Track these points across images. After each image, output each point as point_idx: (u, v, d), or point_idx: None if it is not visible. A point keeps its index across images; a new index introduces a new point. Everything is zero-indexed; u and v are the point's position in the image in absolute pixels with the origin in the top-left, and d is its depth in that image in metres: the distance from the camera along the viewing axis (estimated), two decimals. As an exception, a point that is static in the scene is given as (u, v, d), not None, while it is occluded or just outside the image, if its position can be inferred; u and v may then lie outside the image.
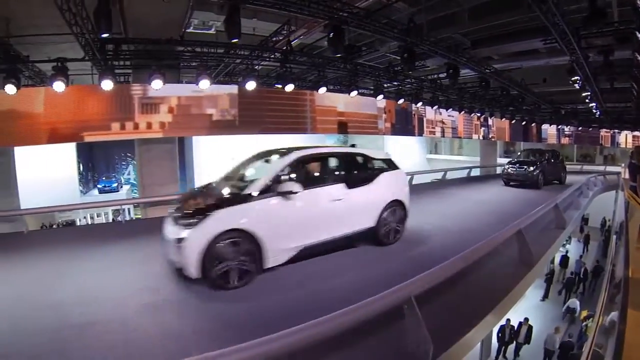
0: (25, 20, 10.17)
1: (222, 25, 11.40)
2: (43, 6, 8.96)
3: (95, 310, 5.59)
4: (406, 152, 30.71)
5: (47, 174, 20.88)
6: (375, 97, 16.81)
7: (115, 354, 4.50)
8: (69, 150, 25.37)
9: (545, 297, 20.74)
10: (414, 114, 21.59)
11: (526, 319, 15.61)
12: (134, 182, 28.75)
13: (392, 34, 10.61)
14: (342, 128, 18.17)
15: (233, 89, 14.24)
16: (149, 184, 13.28)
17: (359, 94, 16.08)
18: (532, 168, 17.88)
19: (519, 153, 22.01)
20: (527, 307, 17.99)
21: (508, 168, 19.09)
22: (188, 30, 11.83)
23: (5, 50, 10.22)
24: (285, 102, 15.62)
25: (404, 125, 21.18)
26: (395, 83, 16.95)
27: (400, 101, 18.46)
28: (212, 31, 12.29)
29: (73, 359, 4.46)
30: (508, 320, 14.86)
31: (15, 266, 7.93)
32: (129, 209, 22.04)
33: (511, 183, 18.47)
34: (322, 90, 14.67)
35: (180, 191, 13.21)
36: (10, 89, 10.29)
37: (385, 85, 16.71)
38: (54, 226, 19.26)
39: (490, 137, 27.56)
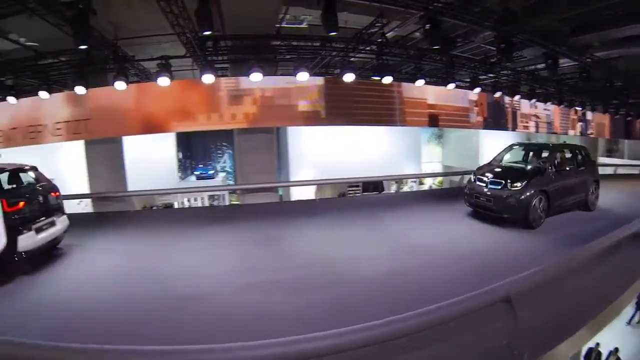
0: (132, 25, 11.03)
1: (313, 20, 11.74)
2: (147, 11, 9.66)
3: (196, 285, 6.10)
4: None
5: (150, 160, 21.97)
6: (472, 90, 16.06)
7: (212, 327, 4.85)
8: (169, 139, 26.65)
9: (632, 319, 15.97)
10: (508, 107, 20.60)
11: (616, 349, 13.55)
12: (229, 170, 29.79)
13: (487, 23, 10.35)
14: (433, 121, 17.55)
15: (320, 80, 14.22)
16: (248, 172, 13.91)
17: (456, 87, 15.51)
18: (517, 185, 9.85)
19: (503, 151, 12.38)
20: (614, 331, 13.34)
21: (475, 180, 10.88)
22: (280, 25, 12.17)
23: (115, 51, 11.39)
24: (372, 94, 15.24)
25: (497, 119, 19.93)
26: (491, 75, 16.30)
27: (497, 94, 17.58)
28: (303, 25, 12.40)
29: (174, 326, 4.90)
30: (597, 344, 12.87)
31: (126, 241, 9.08)
32: (224, 195, 22.98)
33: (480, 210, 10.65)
34: (420, 82, 14.25)
35: (278, 179, 13.84)
36: (120, 85, 11.44)
37: (480, 77, 15.99)
38: (154, 207, 20.58)
39: (588, 133, 24.98)
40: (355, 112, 14.91)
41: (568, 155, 11.54)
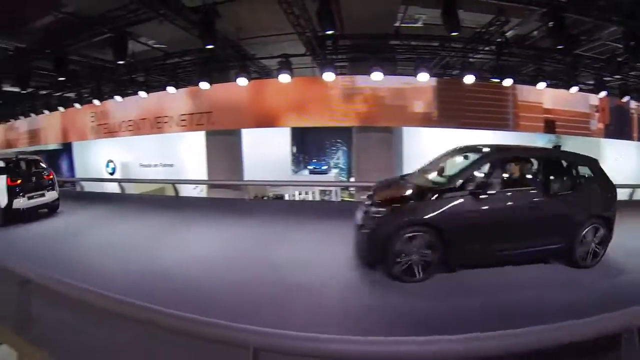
0: (252, 26, 11.59)
1: (428, 19, 11.47)
2: (268, 13, 10.15)
3: (304, 274, 6.41)
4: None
5: (266, 153, 22.84)
6: (597, 94, 14.90)
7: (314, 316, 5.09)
8: (285, 133, 27.56)
9: None
10: (634, 114, 18.44)
11: None
12: (343, 167, 30.23)
13: (614, 18, 9.49)
14: (549, 127, 16.30)
15: (433, 81, 13.90)
16: (365, 169, 14.03)
17: (579, 90, 14.42)
18: (375, 210, 6.60)
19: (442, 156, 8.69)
20: None
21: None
22: (395, 25, 11.94)
23: (237, 50, 12.37)
24: (485, 96, 14.63)
25: (620, 126, 17.98)
26: (618, 77, 14.85)
27: (625, 98, 15.79)
28: (418, 24, 12.19)
29: (281, 310, 5.25)
30: None
31: (244, 227, 9.76)
32: (336, 191, 23.38)
33: None
34: (541, 85, 13.53)
35: None
36: (241, 81, 12.33)
37: (605, 79, 14.69)
38: (264, 198, 21.27)
39: None
40: (466, 114, 14.44)
41: (530, 166, 7.49)
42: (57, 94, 18.38)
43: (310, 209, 11.75)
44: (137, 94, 15.56)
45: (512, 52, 12.50)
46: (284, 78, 12.06)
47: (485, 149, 7.32)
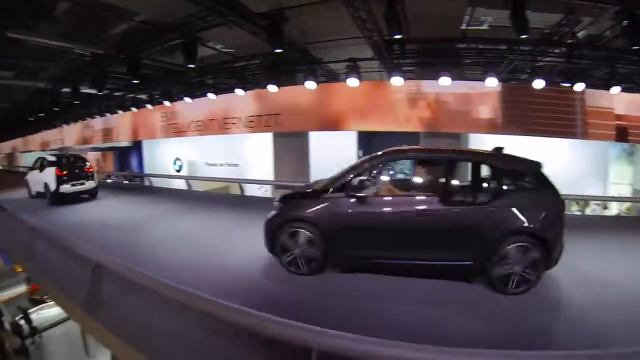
0: (318, 30, 11.79)
1: (494, 21, 11.19)
2: (334, 17, 10.21)
3: None
4: None
5: (332, 156, 22.95)
6: (674, 98, 13.88)
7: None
8: (351, 137, 27.58)
9: None
10: None
11: None
12: (407, 172, 29.79)
13: None
14: (621, 135, 14.71)
15: (497, 86, 13.36)
16: None
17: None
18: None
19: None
20: None
21: None
22: (466, 28, 11.79)
23: (304, 54, 12.54)
24: (552, 102, 13.75)
25: None
26: None
27: None
28: (484, 27, 11.93)
29: None
30: None
31: None
32: None
33: None
34: (616, 89, 12.76)
35: None
36: (309, 85, 12.58)
37: None
38: None
39: None
40: (532, 121, 13.78)
41: (430, 170, 6.96)
42: (130, 95, 19.42)
43: None
44: (206, 95, 16.19)
45: (583, 54, 11.77)
46: (352, 82, 12.17)
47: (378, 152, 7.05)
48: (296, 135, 16.10)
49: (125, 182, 26.11)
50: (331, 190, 6.46)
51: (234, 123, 17.16)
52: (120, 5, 11.04)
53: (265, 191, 18.58)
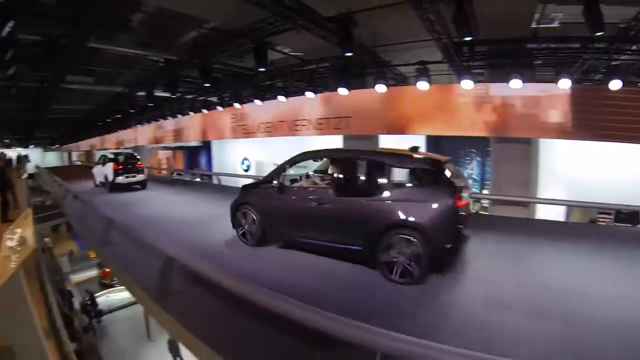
0: (387, 33, 11.78)
1: (565, 17, 10.66)
2: (402, 20, 10.25)
3: None
4: None
5: None
6: None
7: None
8: (420, 141, 27.30)
9: None
10: None
11: None
12: (476, 178, 29.04)
13: None
14: None
15: (568, 88, 12.23)
16: (502, 183, 13.32)
17: None
18: None
19: None
20: None
21: None
22: (537, 26, 11.35)
23: (374, 57, 12.50)
24: (628, 104, 12.01)
25: None
26: None
27: None
28: (554, 24, 11.39)
29: None
30: None
31: None
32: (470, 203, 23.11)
33: None
34: None
35: (535, 194, 13.27)
36: (380, 88, 12.63)
37: None
38: None
39: None
40: (604, 125, 12.30)
41: (332, 167, 7.97)
42: (201, 98, 20.06)
43: None
44: (275, 98, 16.53)
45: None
46: (422, 85, 12.03)
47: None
48: (366, 138, 15.95)
49: (186, 178, 27.40)
50: (267, 182, 8.12)
51: (303, 125, 17.43)
52: (190, 14, 11.58)
53: None
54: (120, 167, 17.99)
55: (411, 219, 6.11)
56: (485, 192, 25.87)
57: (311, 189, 7.66)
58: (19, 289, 3.35)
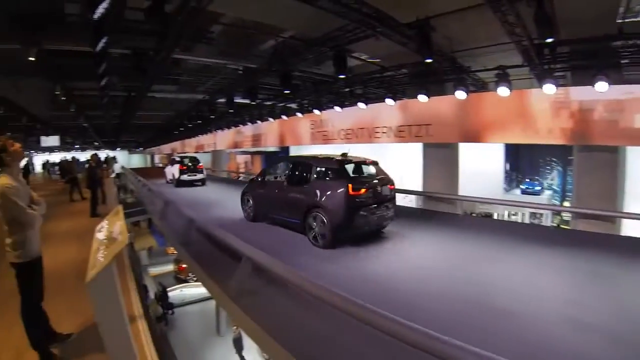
0: (464, 37, 11.53)
1: None
2: (479, 23, 10.06)
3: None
4: None
5: (478, 168, 22.18)
6: None
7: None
8: (498, 149, 26.71)
9: None
10: None
11: None
12: (556, 189, 27.83)
13: None
14: None
15: None
16: (585, 194, 12.33)
17: None
18: None
19: None
20: None
21: None
22: (623, 21, 10.47)
23: (452, 63, 12.28)
24: None
25: None
26: None
27: None
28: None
29: None
30: None
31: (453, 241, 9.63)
32: (547, 215, 22.29)
33: None
34: None
35: (620, 207, 12.23)
36: (460, 94, 12.39)
37: None
38: (473, 215, 20.33)
39: None
40: None
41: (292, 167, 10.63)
42: (280, 104, 20.51)
43: (518, 231, 10.68)
44: (355, 105, 16.63)
45: None
46: (503, 91, 11.60)
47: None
48: (446, 146, 15.64)
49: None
50: (258, 177, 11.82)
51: (384, 132, 17.31)
52: (268, 24, 11.94)
53: (409, 201, 18.31)
54: (185, 167, 22.28)
55: (320, 201, 8.86)
56: (566, 204, 24.72)
57: (277, 182, 10.88)
58: (110, 279, 3.62)
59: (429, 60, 10.51)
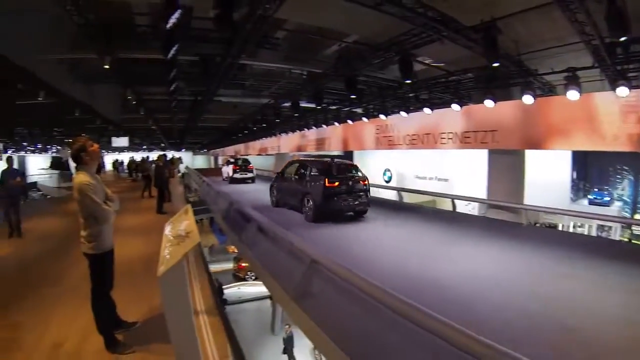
0: (530, 38, 11.19)
1: None
2: (546, 23, 9.92)
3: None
4: None
5: (543, 176, 21.23)
6: None
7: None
8: (565, 156, 25.24)
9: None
10: None
11: None
12: (627, 200, 26.14)
13: None
14: None
15: None
16: None
17: None
18: None
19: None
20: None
21: None
22: None
23: (518, 66, 11.81)
24: None
25: None
26: None
27: None
28: None
29: None
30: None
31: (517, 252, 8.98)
32: (616, 229, 20.76)
33: None
34: None
35: None
36: (527, 99, 11.98)
37: None
38: (537, 225, 19.04)
39: None
40: None
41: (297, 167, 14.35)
42: (346, 109, 20.63)
43: (583, 245, 9.80)
44: (421, 110, 16.56)
45: None
46: (572, 95, 11.08)
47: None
48: (512, 153, 15.38)
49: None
50: (280, 174, 15.12)
51: (450, 138, 17.00)
52: (331, 29, 12.26)
53: (472, 209, 17.80)
54: (237, 167, 26.86)
55: (309, 190, 12.56)
56: (638, 216, 23.05)
57: (289, 177, 14.24)
58: (181, 275, 3.78)
59: (495, 64, 10.30)
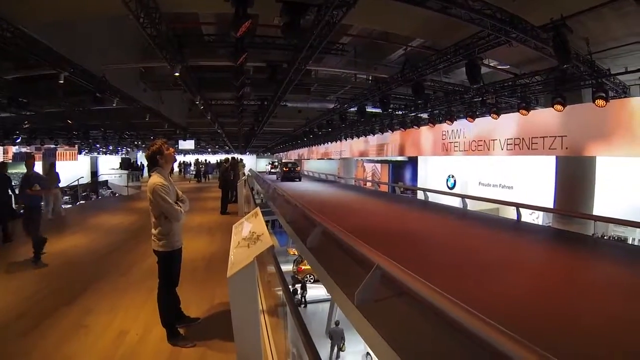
0: (601, 36, 10.61)
1: None
2: (618, 18, 9.39)
3: None
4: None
5: (620, 184, 19.77)
6: None
7: None
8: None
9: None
10: None
11: None
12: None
13: None
14: None
15: None
16: None
17: None
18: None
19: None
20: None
21: None
22: None
23: (589, 66, 11.17)
24: None
25: None
26: None
27: None
28: None
29: None
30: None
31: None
32: None
33: None
34: None
35: None
36: (600, 102, 11.25)
37: None
38: (605, 237, 16.93)
39: None
40: None
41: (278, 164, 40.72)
42: (412, 114, 20.51)
43: None
44: (487, 114, 16.14)
45: None
46: None
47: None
48: (581, 159, 14.48)
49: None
50: (277, 166, 42.91)
51: (516, 144, 16.74)
52: (396, 33, 12.29)
53: (536, 217, 17.01)
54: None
55: (281, 172, 34.09)
56: None
57: (277, 167, 40.46)
58: (250, 277, 3.88)
59: (566, 65, 9.95)
